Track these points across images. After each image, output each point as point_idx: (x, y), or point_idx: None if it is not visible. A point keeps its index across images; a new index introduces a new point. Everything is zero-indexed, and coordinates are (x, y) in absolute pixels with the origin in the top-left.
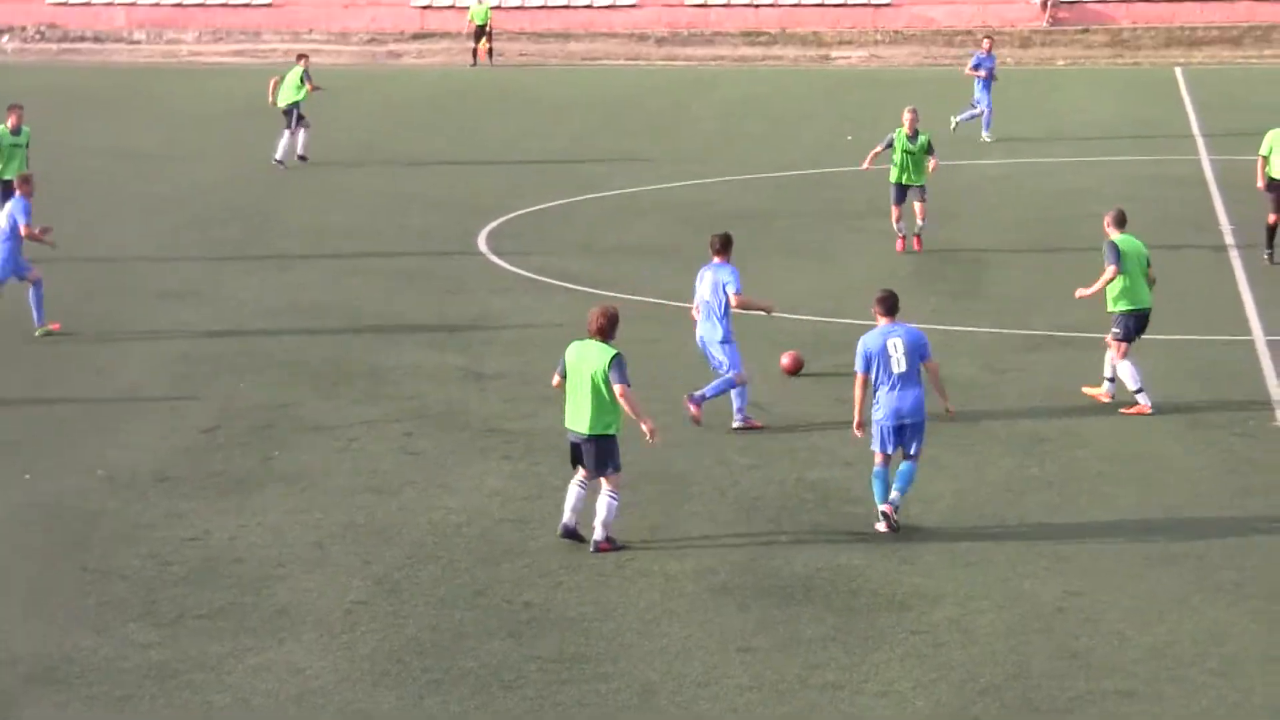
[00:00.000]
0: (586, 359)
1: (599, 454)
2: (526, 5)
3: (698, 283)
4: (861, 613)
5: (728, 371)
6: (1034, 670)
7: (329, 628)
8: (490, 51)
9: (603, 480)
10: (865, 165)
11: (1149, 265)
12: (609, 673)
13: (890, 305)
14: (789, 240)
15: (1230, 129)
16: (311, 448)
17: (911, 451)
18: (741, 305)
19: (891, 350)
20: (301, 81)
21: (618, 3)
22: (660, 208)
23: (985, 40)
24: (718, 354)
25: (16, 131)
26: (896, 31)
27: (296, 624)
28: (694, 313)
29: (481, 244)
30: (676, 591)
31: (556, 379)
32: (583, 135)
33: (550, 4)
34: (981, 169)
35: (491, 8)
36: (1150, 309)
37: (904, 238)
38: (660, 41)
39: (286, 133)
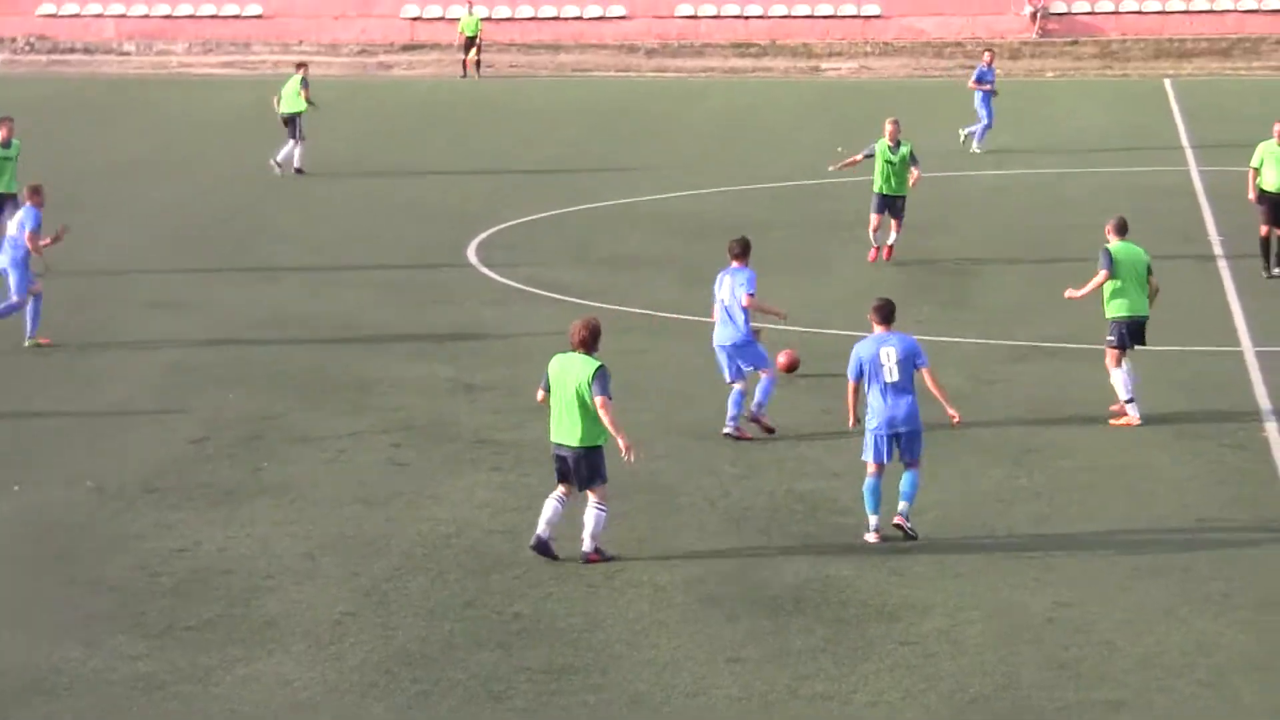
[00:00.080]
0: (570, 372)
1: (589, 466)
2: (516, 17)
3: (716, 288)
4: (851, 623)
5: (759, 369)
6: (1023, 681)
7: (318, 639)
8: (479, 63)
9: (589, 493)
10: (832, 167)
11: (1150, 274)
12: (598, 684)
13: (886, 314)
14: (779, 251)
15: (1219, 140)
16: (300, 459)
17: (910, 460)
18: (753, 307)
19: (884, 359)
20: (299, 89)
21: (608, 14)
22: (650, 219)
23: (986, 53)
24: (738, 358)
25: (6, 144)
26: (886, 43)
27: (285, 635)
28: (714, 315)
29: (471, 255)
30: (666, 602)
31: (541, 394)
32: (572, 146)
33: (540, 15)
34: (971, 180)
35: (481, 19)
36: (1145, 317)
37: (878, 248)
38: (650, 53)
39: (291, 141)
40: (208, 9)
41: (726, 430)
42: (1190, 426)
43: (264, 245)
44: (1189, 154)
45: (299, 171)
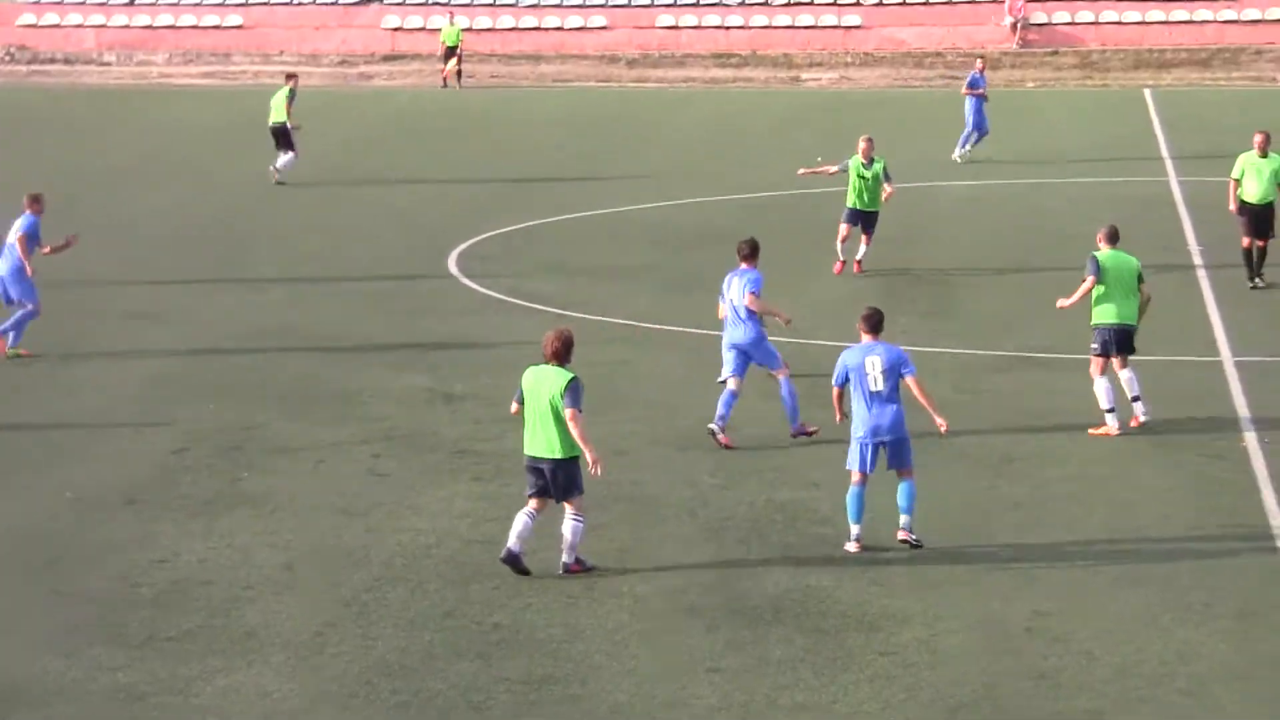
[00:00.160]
0: (544, 384)
1: (566, 477)
2: (497, 27)
3: (725, 288)
4: (830, 633)
5: (772, 370)
6: (1003, 690)
7: (297, 650)
8: (459, 73)
9: (567, 504)
10: (802, 171)
11: (1141, 283)
12: (578, 694)
13: (874, 323)
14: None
15: (1199, 151)
16: (280, 469)
17: (902, 468)
18: (757, 308)
19: (869, 368)
20: (285, 101)
21: (588, 25)
22: (631, 229)
23: (979, 60)
24: (752, 356)
25: None
26: (867, 54)
27: (265, 646)
28: (721, 315)
29: (452, 265)
30: (645, 612)
31: (515, 406)
32: (553, 157)
33: (521, 26)
34: (951, 190)
35: (463, 30)
36: (1132, 326)
37: (844, 261)
38: (631, 63)
39: (288, 154)
40: (188, 19)
41: (711, 427)
42: (1170, 437)
43: (244, 256)
44: (1169, 164)
45: (278, 182)
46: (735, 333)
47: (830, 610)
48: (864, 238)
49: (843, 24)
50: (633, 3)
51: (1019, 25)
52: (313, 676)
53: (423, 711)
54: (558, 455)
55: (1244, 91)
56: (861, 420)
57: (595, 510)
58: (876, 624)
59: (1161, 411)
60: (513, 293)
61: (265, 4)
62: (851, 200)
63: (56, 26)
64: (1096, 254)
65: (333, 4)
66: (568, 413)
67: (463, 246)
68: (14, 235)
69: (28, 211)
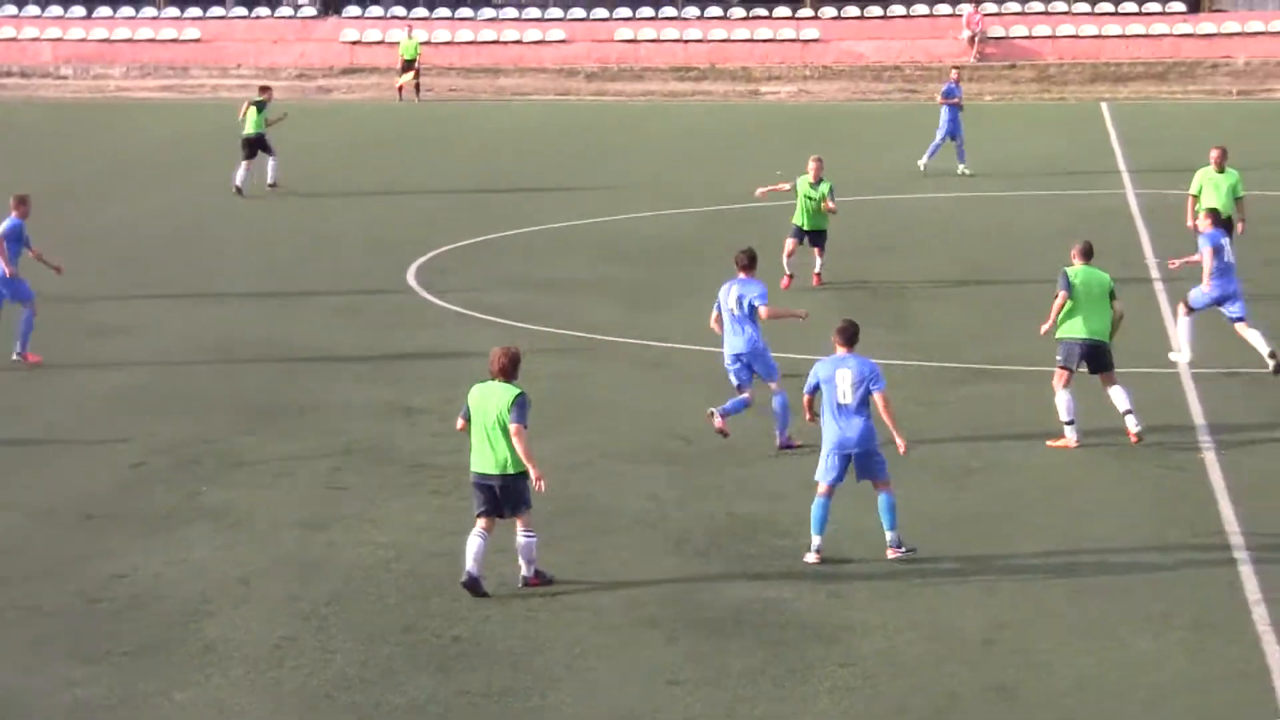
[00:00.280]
0: (491, 399)
1: (515, 493)
2: (456, 40)
3: (722, 296)
4: (790, 645)
5: (769, 379)
6: (963, 702)
7: (256, 664)
8: (418, 87)
9: (517, 520)
10: (759, 191)
11: (1113, 299)
12: (538, 706)
13: (848, 336)
14: (719, 275)
15: (1155, 164)
16: (239, 483)
17: (876, 480)
18: (771, 317)
19: (839, 381)
20: (258, 109)
21: (547, 38)
22: (590, 242)
23: (954, 70)
24: (753, 365)
25: None
26: (825, 67)
27: (224, 660)
28: (713, 323)
29: (411, 278)
30: (605, 625)
31: (460, 422)
32: (512, 170)
33: (480, 39)
34: (910, 203)
35: (421, 43)
36: (1102, 342)
37: (791, 276)
38: (590, 77)
39: (270, 159)
40: (145, 33)
41: (711, 411)
42: (1129, 448)
43: (203, 270)
44: (1126, 177)
45: (238, 190)
46: (736, 342)
47: (790, 622)
48: (815, 251)
49: (801, 37)
50: (591, 16)
51: (977, 39)
52: (272, 690)
53: None
54: (506, 471)
55: (1200, 105)
56: (829, 432)
57: (554, 523)
58: (836, 635)
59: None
60: (472, 305)
61: (223, 17)
62: (798, 218)
63: (13, 40)
64: (1067, 270)
65: (291, 17)
66: (513, 427)
67: (422, 260)
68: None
69: (13, 214)
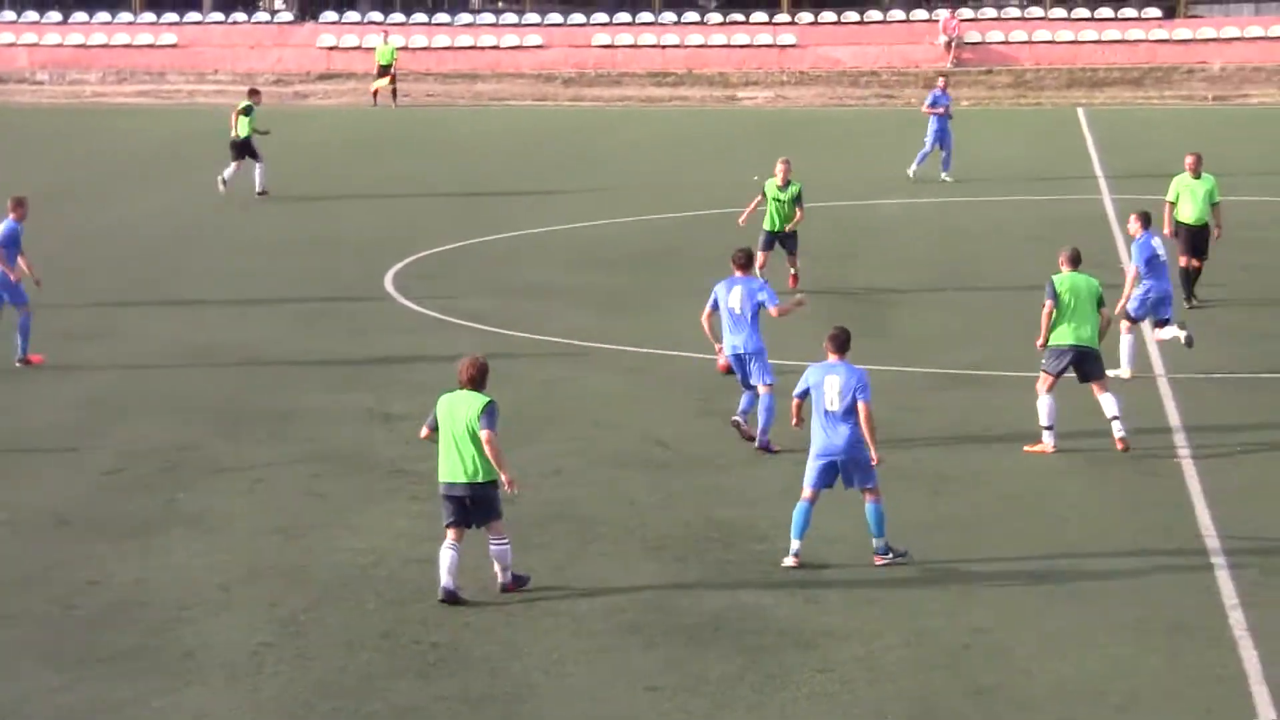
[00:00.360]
0: (461, 408)
1: (486, 502)
2: (433, 46)
3: (722, 293)
4: (768, 651)
5: (759, 382)
6: (940, 707)
7: (235, 671)
8: (395, 92)
9: (488, 530)
10: (742, 221)
11: (1101, 305)
12: (517, 712)
13: (839, 343)
14: (696, 280)
15: (1131, 169)
16: (216, 489)
17: (863, 487)
18: (781, 314)
19: (827, 388)
20: (245, 114)
21: (525, 43)
22: (567, 247)
23: (940, 79)
24: (754, 368)
25: None
26: (802, 72)
27: (202, 667)
28: (704, 319)
29: (388, 284)
30: (584, 631)
31: (426, 430)
32: (490, 175)
33: (457, 45)
34: (887, 208)
35: (398, 48)
36: (1089, 349)
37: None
38: (567, 82)
39: (257, 165)
40: (121, 38)
41: (735, 419)
42: (1105, 454)
43: (181, 275)
44: (1102, 183)
45: (223, 183)
46: (735, 340)
47: (768, 628)
48: (789, 259)
49: (778, 43)
50: (568, 22)
51: (953, 44)
52: (250, 697)
53: None
54: (475, 480)
55: (1176, 110)
56: (816, 438)
57: (533, 530)
58: (814, 641)
59: (1095, 428)
60: (449, 311)
61: (200, 23)
62: (768, 223)
63: None
64: (1054, 278)
65: (268, 23)
66: (484, 434)
67: (399, 265)
68: None
69: (10, 217)
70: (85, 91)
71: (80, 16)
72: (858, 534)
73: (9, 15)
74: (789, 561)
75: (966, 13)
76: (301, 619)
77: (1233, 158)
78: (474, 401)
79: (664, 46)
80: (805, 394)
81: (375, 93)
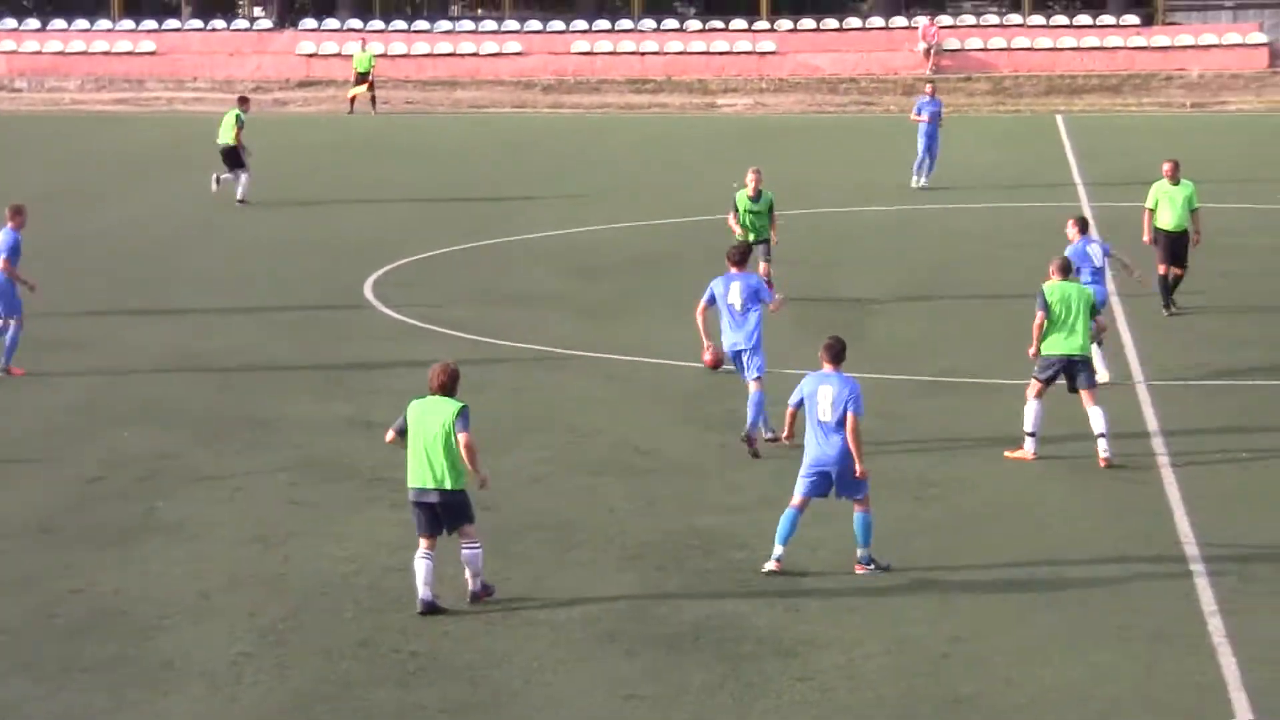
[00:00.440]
0: (434, 413)
1: (458, 508)
2: (413, 53)
3: (720, 292)
4: (748, 659)
5: (751, 378)
6: (921, 715)
7: (214, 680)
8: (373, 99)
9: (460, 535)
10: (739, 233)
11: (1095, 313)
12: None
13: (834, 353)
14: (675, 287)
15: (1110, 175)
16: (197, 498)
17: (853, 497)
18: (775, 309)
19: (820, 398)
20: (234, 124)
21: (504, 51)
22: (547, 255)
23: (928, 85)
24: (751, 362)
25: None
26: (781, 80)
27: (182, 676)
28: (698, 313)
29: (368, 292)
30: (564, 639)
31: (392, 434)
32: (469, 183)
33: (436, 52)
34: (866, 215)
35: (376, 56)
36: (1080, 357)
37: None
38: (547, 89)
39: (242, 174)
40: (100, 45)
41: (766, 436)
42: (1085, 461)
43: (160, 283)
44: (1081, 189)
45: (214, 185)
46: (734, 336)
47: (748, 636)
48: (763, 267)
49: (757, 50)
50: (548, 29)
51: (932, 51)
52: (230, 706)
53: None
54: (444, 486)
55: (1154, 116)
56: (809, 448)
57: (513, 538)
58: (794, 649)
59: (1076, 436)
60: (429, 319)
61: (178, 30)
62: (741, 234)
63: None
64: (1045, 287)
65: (247, 30)
66: (462, 437)
67: (378, 273)
68: None
69: (9, 226)
70: (64, 99)
71: (59, 24)
72: (838, 541)
73: None
74: (770, 566)
75: (945, 20)
76: (281, 628)
77: (1211, 164)
78: (447, 407)
79: (643, 54)
80: (800, 405)
81: (352, 100)
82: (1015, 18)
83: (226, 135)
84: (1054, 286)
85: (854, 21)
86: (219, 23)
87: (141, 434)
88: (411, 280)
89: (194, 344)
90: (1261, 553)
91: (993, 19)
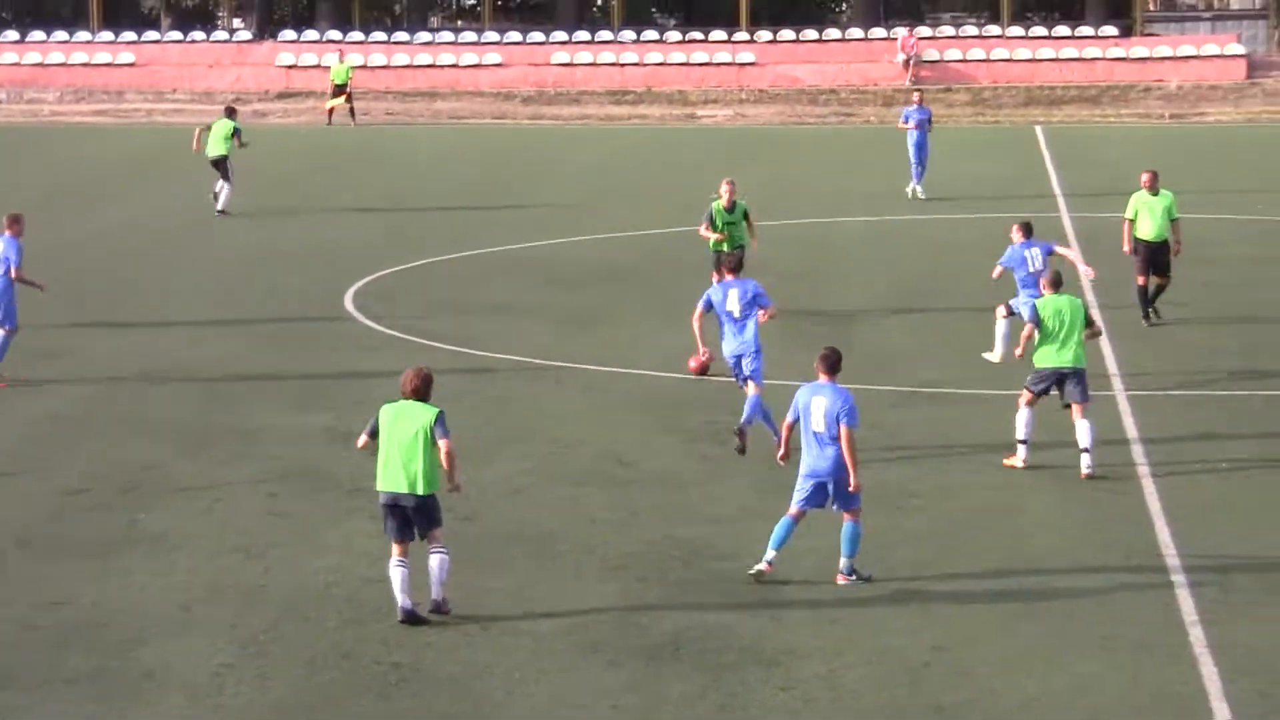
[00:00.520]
0: (410, 418)
1: (430, 512)
2: (392, 64)
3: (717, 297)
4: (730, 670)
5: (748, 383)
6: None
7: (195, 691)
8: (352, 110)
9: (431, 540)
10: (720, 238)
11: (1088, 324)
12: None
13: (830, 364)
14: (655, 298)
15: (1089, 186)
16: (177, 509)
17: (845, 508)
18: (769, 318)
19: (814, 409)
20: (232, 135)
21: (484, 62)
22: (527, 266)
23: (916, 94)
24: (749, 365)
25: None
26: (761, 90)
27: (163, 688)
28: (695, 320)
29: (348, 303)
30: (545, 650)
31: (365, 439)
32: (449, 194)
33: (416, 63)
34: (847, 226)
35: (354, 67)
36: (1071, 369)
37: None
38: (527, 100)
39: (224, 183)
40: (79, 57)
41: (738, 427)
42: (1066, 471)
43: (140, 294)
44: (1060, 200)
45: (219, 212)
46: (734, 343)
47: (730, 646)
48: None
49: (737, 61)
50: (528, 40)
51: (911, 62)
52: (211, 718)
53: None
54: (419, 491)
55: (1133, 127)
56: (804, 459)
57: (494, 549)
58: (776, 659)
59: (1057, 446)
60: (409, 330)
61: (158, 42)
62: (715, 243)
63: None
64: (1036, 301)
65: (226, 41)
66: (444, 443)
67: (359, 284)
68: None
69: (8, 234)
70: (43, 110)
71: (38, 35)
72: (821, 551)
73: None
74: (760, 566)
75: (925, 31)
76: (262, 639)
77: (1190, 175)
78: (424, 412)
79: (623, 65)
80: (797, 418)
81: (330, 111)
82: (994, 29)
83: (221, 146)
84: (1046, 301)
85: (833, 33)
86: (198, 34)
87: (122, 445)
88: (392, 291)
89: (173, 355)
90: (1241, 563)
91: (972, 30)
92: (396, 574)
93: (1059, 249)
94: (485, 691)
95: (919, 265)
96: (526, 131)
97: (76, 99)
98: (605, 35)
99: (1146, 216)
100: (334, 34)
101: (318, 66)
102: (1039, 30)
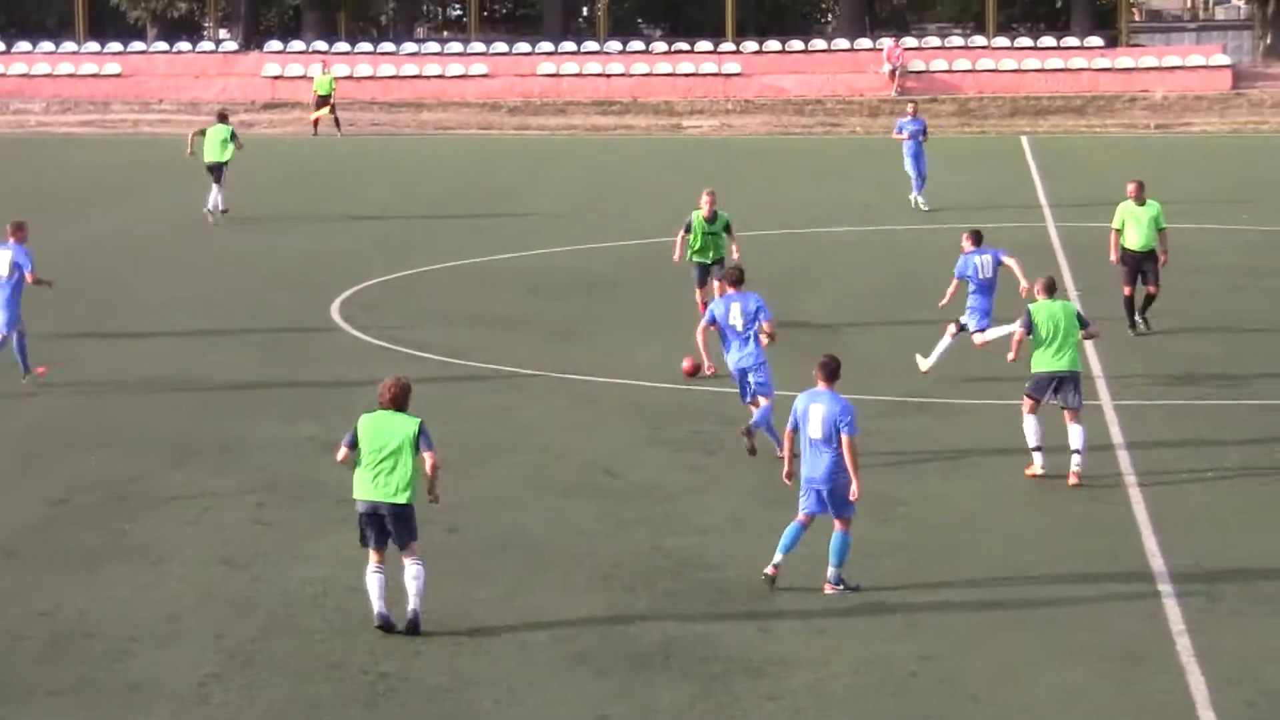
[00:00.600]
0: (391, 428)
1: (408, 522)
2: (378, 75)
3: (721, 314)
4: (718, 679)
5: (759, 394)
6: None
7: (182, 702)
8: (337, 121)
9: (408, 551)
10: (676, 258)
11: (1084, 325)
12: None
13: (829, 372)
14: (641, 309)
15: (1075, 196)
16: (163, 520)
17: (837, 516)
18: (771, 331)
19: (811, 415)
20: (229, 140)
21: (470, 72)
22: (513, 276)
23: (910, 105)
24: (754, 379)
25: None
26: (747, 101)
27: (149, 699)
28: (699, 333)
29: (334, 313)
30: (533, 660)
31: (344, 452)
32: (435, 204)
33: (402, 74)
34: (834, 236)
35: (337, 78)
36: (1066, 372)
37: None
38: (513, 111)
39: (216, 188)
40: (65, 68)
41: (745, 429)
42: (1052, 480)
43: (126, 304)
44: (1046, 210)
45: (223, 211)
46: (738, 356)
47: (718, 656)
48: (717, 285)
49: (723, 72)
50: (514, 50)
51: (897, 73)
52: None
53: None
54: (399, 501)
55: (1118, 137)
56: (803, 465)
57: (481, 558)
58: (763, 669)
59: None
60: (396, 341)
61: (144, 52)
62: (699, 255)
63: None
64: (1030, 307)
65: (213, 52)
66: (430, 456)
67: (345, 295)
68: (8, 268)
69: (12, 240)
70: (29, 121)
71: (23, 45)
72: (808, 561)
73: None
74: (768, 570)
75: (910, 42)
76: (249, 649)
77: (1175, 185)
78: (405, 422)
79: (609, 75)
80: (795, 425)
81: (315, 122)
82: (980, 39)
83: (219, 152)
84: (1040, 306)
85: (819, 43)
86: (184, 45)
87: (109, 455)
88: (378, 301)
89: (158, 366)
90: (1228, 571)
91: (957, 40)
92: (374, 581)
93: (1006, 259)
94: (473, 701)
95: (904, 275)
96: (513, 142)
97: (63, 110)
98: (591, 46)
99: (1133, 226)
100: (320, 45)
101: (304, 77)
102: (1025, 41)
